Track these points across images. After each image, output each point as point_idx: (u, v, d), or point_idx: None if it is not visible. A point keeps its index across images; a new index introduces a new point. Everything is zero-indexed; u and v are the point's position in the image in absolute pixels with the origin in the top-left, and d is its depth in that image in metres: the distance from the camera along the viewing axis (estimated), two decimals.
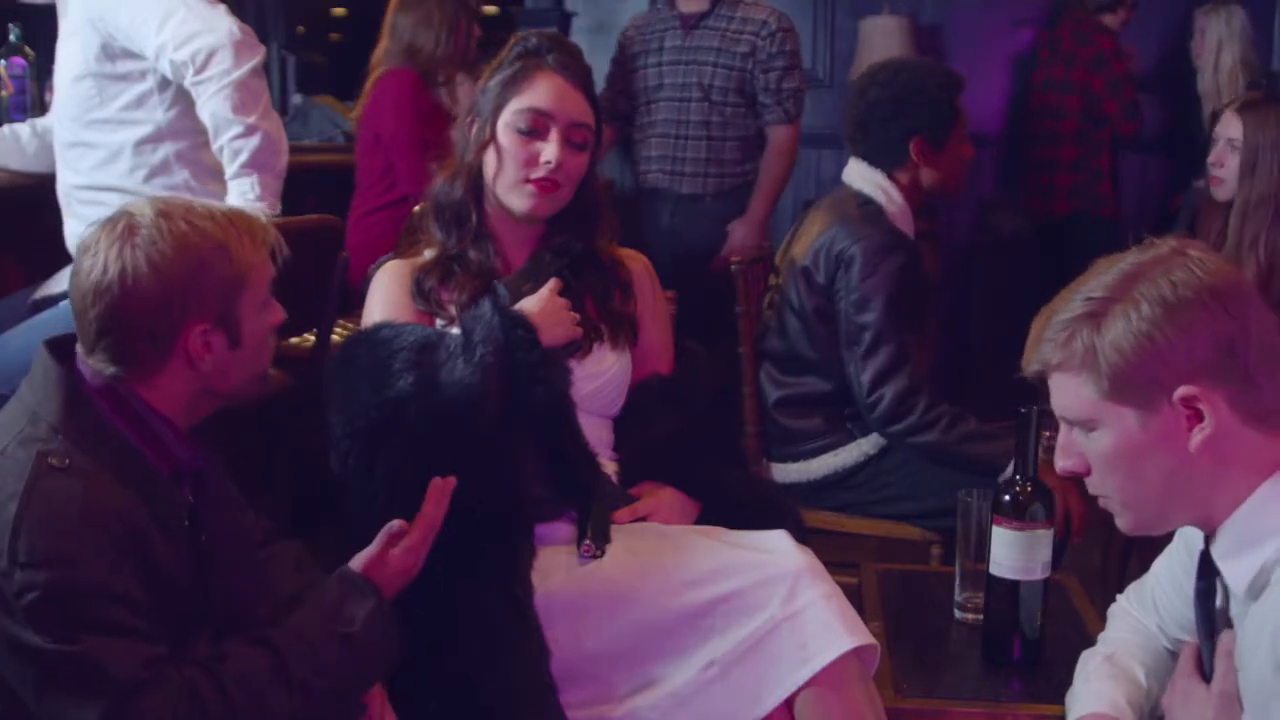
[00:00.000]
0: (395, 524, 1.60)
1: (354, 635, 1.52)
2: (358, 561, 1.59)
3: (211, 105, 2.45)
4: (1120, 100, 4.49)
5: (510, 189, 1.95)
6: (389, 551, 1.59)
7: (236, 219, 1.52)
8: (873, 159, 2.67)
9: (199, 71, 2.43)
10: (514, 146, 1.94)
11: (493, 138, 1.96)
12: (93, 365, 1.47)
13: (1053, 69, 4.61)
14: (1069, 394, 1.35)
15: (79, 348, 1.49)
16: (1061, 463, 1.40)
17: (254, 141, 2.46)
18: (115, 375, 1.47)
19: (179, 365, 1.48)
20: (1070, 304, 1.34)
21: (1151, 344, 1.28)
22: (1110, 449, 1.34)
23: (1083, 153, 4.60)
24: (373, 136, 3.50)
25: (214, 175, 2.59)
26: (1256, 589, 1.31)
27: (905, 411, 2.54)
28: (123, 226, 1.46)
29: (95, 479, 1.40)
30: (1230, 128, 2.62)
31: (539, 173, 1.92)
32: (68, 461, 1.40)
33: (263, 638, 1.48)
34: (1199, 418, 1.29)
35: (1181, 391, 1.29)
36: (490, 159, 1.96)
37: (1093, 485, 1.40)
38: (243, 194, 2.48)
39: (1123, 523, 1.40)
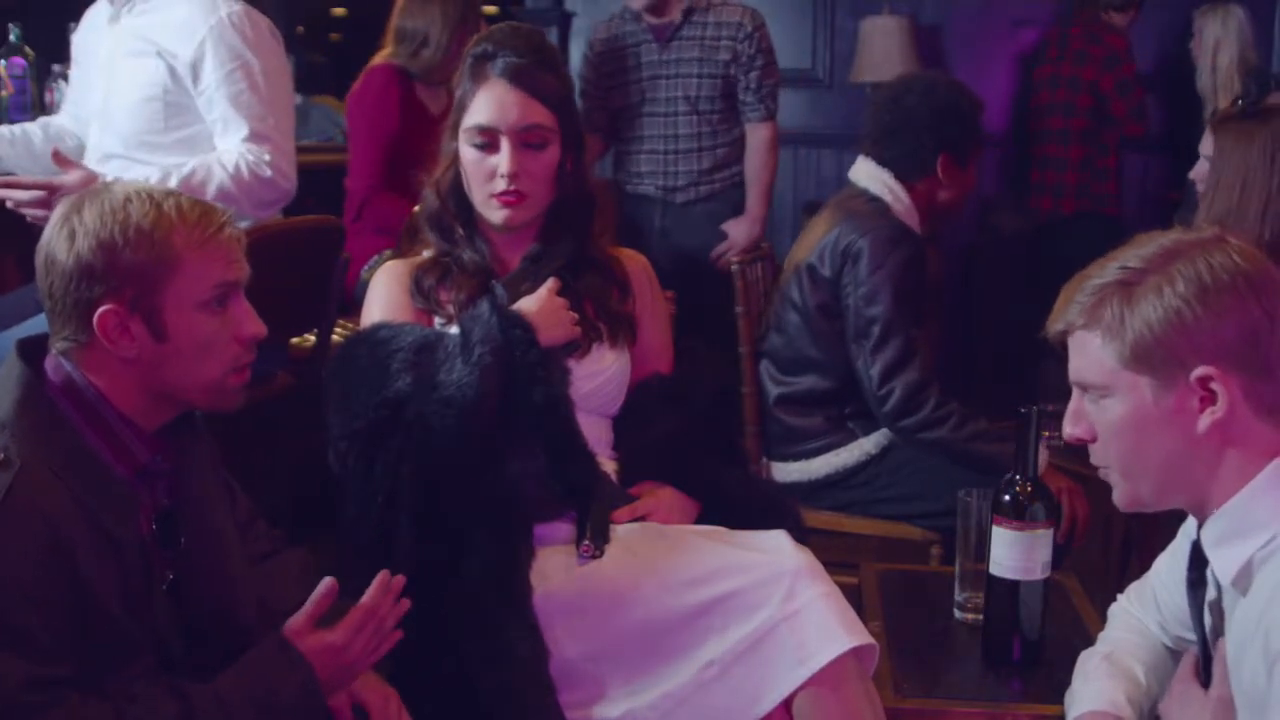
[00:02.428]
0: (326, 583, 1.52)
1: (272, 707, 1.45)
2: (290, 623, 1.51)
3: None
4: (1129, 102, 4.50)
5: (481, 205, 1.96)
6: (314, 620, 1.51)
7: (186, 211, 1.46)
8: (891, 164, 2.67)
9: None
10: (472, 163, 1.94)
11: (457, 153, 1.96)
12: (54, 349, 1.46)
13: (1061, 66, 4.61)
14: (1089, 357, 1.37)
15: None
16: (1069, 429, 1.42)
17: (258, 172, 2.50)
18: (63, 352, 1.44)
19: (100, 346, 1.44)
20: (1105, 270, 1.35)
21: (1180, 320, 1.30)
22: (1120, 418, 1.36)
23: (1090, 151, 4.60)
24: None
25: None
26: (1242, 582, 1.32)
27: (916, 406, 2.55)
28: (75, 201, 1.46)
29: (31, 475, 1.36)
30: (1205, 144, 2.62)
31: (498, 186, 1.92)
32: (1, 456, 1.36)
33: (180, 690, 1.41)
34: (1212, 400, 1.30)
35: (1199, 371, 1.30)
36: (463, 173, 1.97)
37: (1095, 455, 1.41)
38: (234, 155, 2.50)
39: (1118, 495, 1.41)
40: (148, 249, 1.43)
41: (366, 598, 1.54)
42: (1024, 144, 4.82)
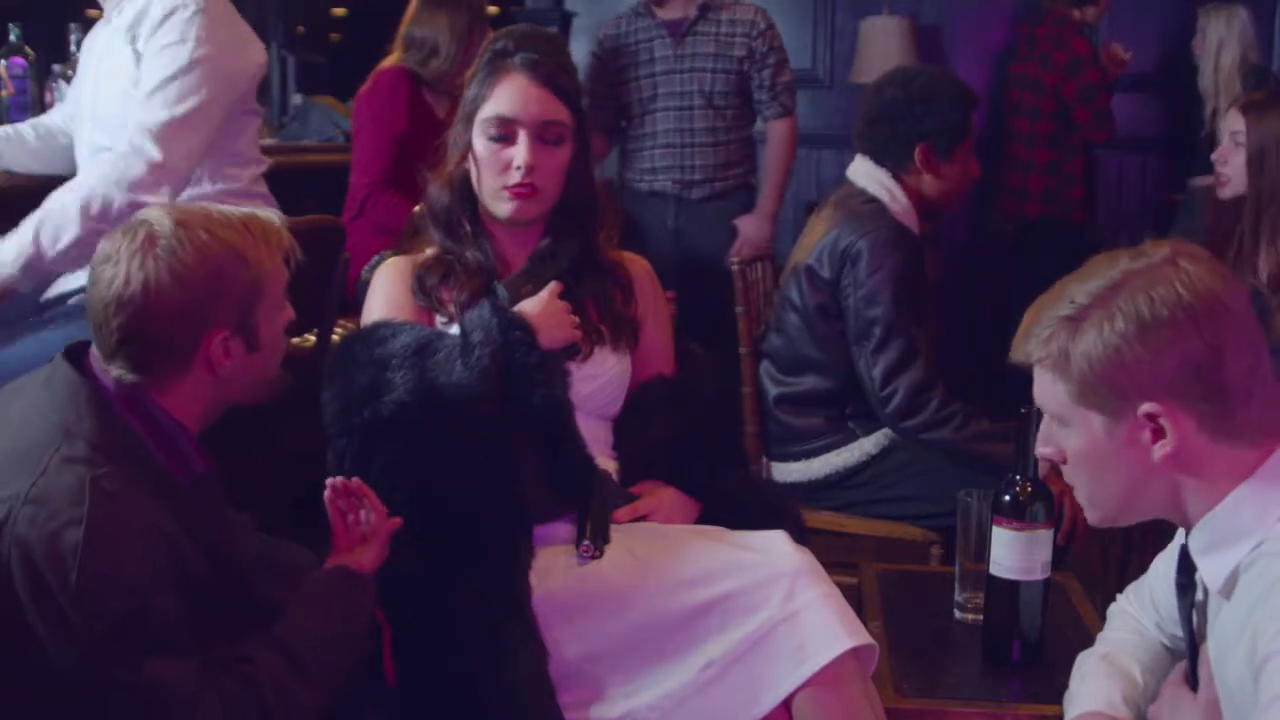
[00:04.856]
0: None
1: (362, 628, 1.58)
2: (345, 559, 1.65)
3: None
4: (1092, 108, 4.47)
5: (491, 197, 1.96)
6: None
7: (253, 225, 1.53)
8: (879, 158, 2.68)
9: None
10: (487, 154, 1.94)
11: (470, 145, 1.96)
12: (114, 374, 1.48)
13: (1029, 66, 4.59)
14: (1046, 389, 1.38)
15: (94, 352, 1.50)
16: (1041, 449, 1.44)
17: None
18: (135, 383, 1.47)
19: (200, 372, 1.50)
20: (1058, 303, 1.36)
21: (1119, 358, 1.30)
22: (1078, 449, 1.37)
23: (1056, 157, 4.57)
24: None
25: (247, 195, 2.59)
26: (1229, 588, 1.32)
27: (919, 407, 2.54)
28: (143, 236, 1.46)
29: (143, 501, 1.41)
30: (1234, 123, 2.62)
31: (512, 179, 1.92)
32: (119, 486, 1.40)
33: (281, 642, 1.49)
34: (1162, 433, 1.31)
35: (1145, 408, 1.30)
36: (472, 166, 1.97)
37: (1065, 475, 1.43)
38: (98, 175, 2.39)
39: (1088, 515, 1.43)
40: (245, 270, 1.50)
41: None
42: (998, 141, 4.79)
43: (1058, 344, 1.34)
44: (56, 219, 2.33)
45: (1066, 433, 1.38)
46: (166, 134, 2.40)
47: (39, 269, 2.35)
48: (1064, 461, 1.41)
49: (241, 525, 1.70)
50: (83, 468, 1.40)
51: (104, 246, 1.48)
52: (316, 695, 1.49)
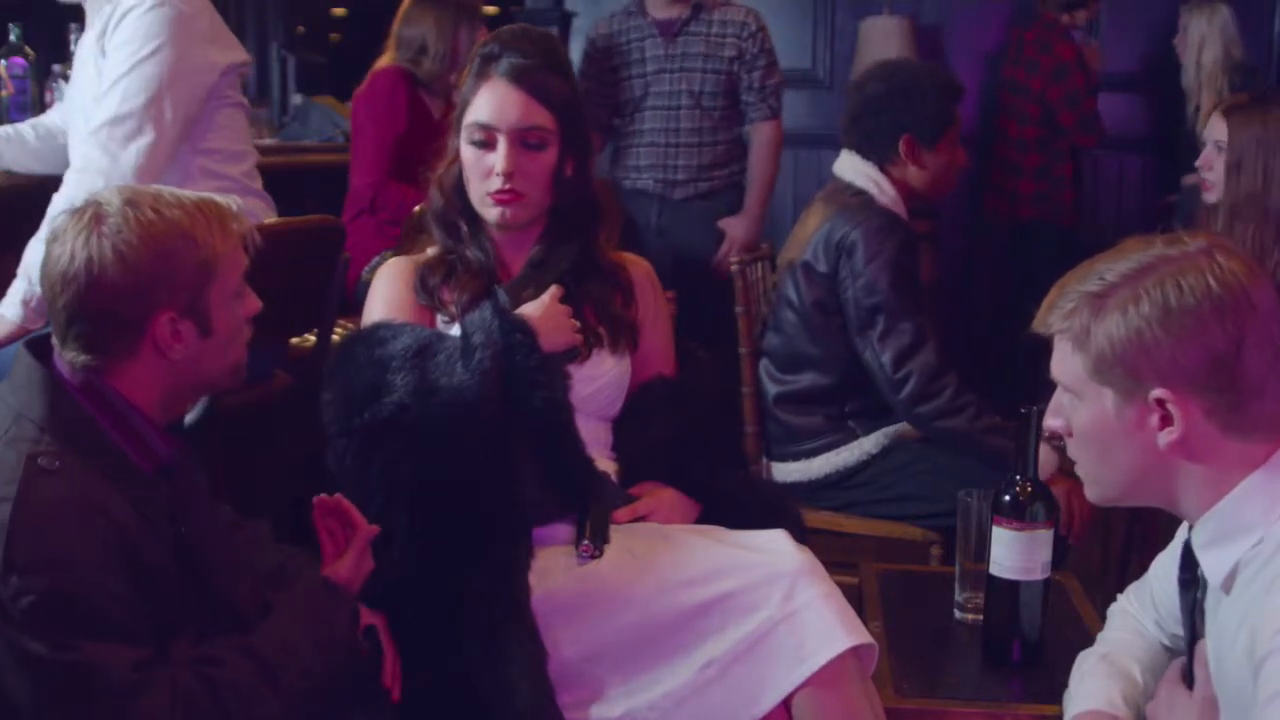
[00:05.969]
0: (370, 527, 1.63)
1: (332, 641, 1.55)
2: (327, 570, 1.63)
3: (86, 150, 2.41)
4: (1078, 112, 4.48)
5: (478, 203, 1.97)
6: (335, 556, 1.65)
7: (206, 207, 1.51)
8: (864, 151, 2.68)
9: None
10: (471, 159, 1.95)
11: (459, 149, 1.97)
12: (68, 358, 1.47)
13: (1016, 71, 4.61)
14: (1064, 361, 1.39)
15: (54, 341, 1.50)
16: (1049, 420, 1.45)
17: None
18: (88, 365, 1.46)
19: (149, 354, 1.48)
20: (1087, 278, 1.36)
21: (1140, 341, 1.30)
22: (1086, 424, 1.38)
23: (1045, 161, 4.59)
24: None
25: (245, 190, 2.58)
26: (1229, 584, 1.33)
27: (934, 392, 2.53)
28: (90, 215, 1.46)
29: (84, 479, 1.40)
30: (1216, 130, 2.62)
31: (494, 185, 1.93)
32: (57, 463, 1.39)
33: (247, 646, 1.48)
34: (1170, 420, 1.31)
35: (1156, 393, 1.31)
36: (463, 171, 1.98)
37: (1070, 449, 1.44)
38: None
39: (1088, 491, 1.44)
40: (195, 252, 1.48)
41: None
42: (988, 143, 4.79)
43: (1080, 319, 1.34)
44: (36, 247, 2.34)
45: (1077, 406, 1.38)
46: (112, 135, 2.38)
47: (41, 305, 2.35)
48: (1070, 435, 1.42)
49: (256, 531, 1.70)
50: (25, 446, 1.40)
51: (55, 226, 1.48)
52: (282, 701, 1.46)
